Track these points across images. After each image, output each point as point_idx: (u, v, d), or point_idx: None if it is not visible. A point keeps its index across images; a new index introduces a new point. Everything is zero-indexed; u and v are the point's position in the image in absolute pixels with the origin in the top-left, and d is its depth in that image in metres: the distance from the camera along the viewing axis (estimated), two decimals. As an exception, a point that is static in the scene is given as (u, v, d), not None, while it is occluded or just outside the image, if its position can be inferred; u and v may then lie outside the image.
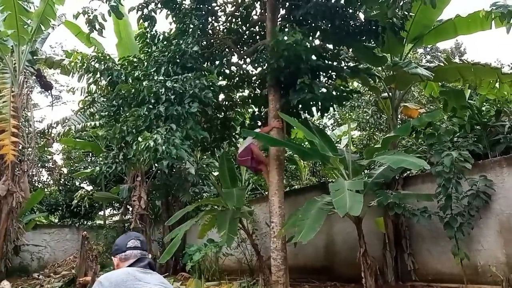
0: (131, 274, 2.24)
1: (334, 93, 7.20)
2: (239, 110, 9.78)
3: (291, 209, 8.00)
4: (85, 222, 17.21)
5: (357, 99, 12.39)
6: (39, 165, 14.47)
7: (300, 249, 8.42)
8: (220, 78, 8.78)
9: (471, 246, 6.33)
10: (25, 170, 9.99)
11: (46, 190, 16.59)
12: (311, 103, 7.28)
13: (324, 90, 6.94)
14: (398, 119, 8.60)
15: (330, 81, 7.59)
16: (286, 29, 7.12)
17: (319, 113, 7.93)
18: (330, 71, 7.66)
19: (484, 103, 7.85)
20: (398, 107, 8.32)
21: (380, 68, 8.93)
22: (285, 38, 6.42)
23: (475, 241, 6.35)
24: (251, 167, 7.99)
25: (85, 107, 11.04)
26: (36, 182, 16.62)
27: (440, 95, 8.10)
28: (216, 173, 13.41)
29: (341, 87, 7.55)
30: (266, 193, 9.39)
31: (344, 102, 7.85)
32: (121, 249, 2.45)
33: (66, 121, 13.54)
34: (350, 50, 8.08)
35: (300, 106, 7.35)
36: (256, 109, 9.35)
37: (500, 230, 6.11)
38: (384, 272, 7.37)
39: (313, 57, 7.09)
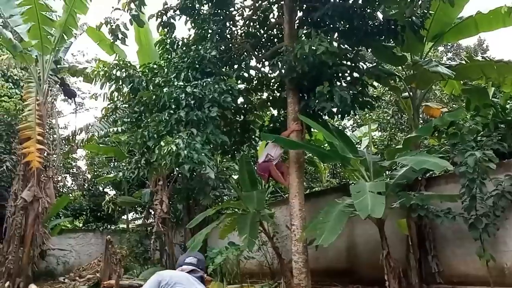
0: (185, 276, 2.68)
1: (353, 99, 7.14)
2: (258, 113, 9.82)
3: (312, 211, 7.98)
4: (109, 226, 17.54)
5: (377, 100, 12.28)
6: (63, 171, 14.81)
7: (322, 252, 8.37)
8: (239, 82, 8.83)
9: (497, 247, 6.18)
10: (50, 176, 10.25)
11: (70, 195, 16.97)
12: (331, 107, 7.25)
13: (343, 96, 6.88)
14: (420, 119, 8.48)
15: (350, 85, 7.50)
16: (305, 31, 7.12)
17: (339, 116, 7.91)
18: (350, 74, 7.60)
19: (508, 101, 7.66)
20: (420, 107, 8.21)
21: (400, 67, 8.84)
22: (313, 47, 6.36)
23: (501, 242, 6.20)
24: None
25: (108, 114, 11.26)
26: (61, 188, 17.01)
27: (462, 93, 7.96)
28: (236, 176, 13.47)
29: (362, 93, 7.48)
30: (286, 196, 9.39)
31: (364, 108, 7.80)
32: (179, 264, 2.94)
33: (90, 127, 13.83)
34: (369, 50, 8.02)
35: (318, 111, 7.32)
36: (275, 112, 9.37)
37: (527, 231, 5.96)
38: (407, 275, 7.25)
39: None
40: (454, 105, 10.77)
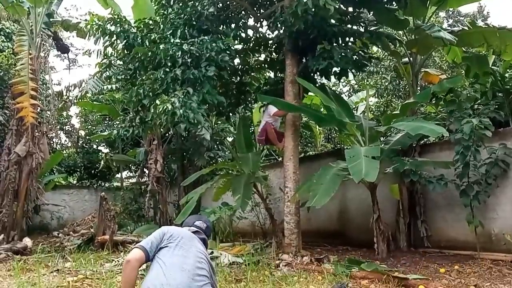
0: (190, 235, 2.78)
1: (353, 58, 7.04)
2: (255, 75, 9.68)
3: (305, 175, 8.04)
4: (103, 184, 17.62)
5: (376, 65, 12.13)
6: (57, 127, 14.70)
7: (314, 214, 8.52)
8: (236, 42, 8.64)
9: (486, 214, 6.31)
10: (44, 132, 10.15)
11: (64, 152, 16.92)
12: (330, 69, 7.15)
13: (343, 55, 6.78)
14: (418, 86, 8.41)
15: (349, 45, 7.38)
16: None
17: (335, 78, 7.81)
18: (350, 35, 7.47)
19: (508, 70, 7.60)
20: (419, 73, 8.13)
21: (401, 32, 8.68)
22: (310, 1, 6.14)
23: (491, 210, 6.32)
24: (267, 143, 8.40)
25: (102, 71, 11.04)
26: (55, 144, 16.95)
27: (462, 60, 7.86)
28: (231, 138, 13.47)
29: (361, 52, 7.38)
30: (281, 159, 9.42)
31: (363, 68, 7.69)
32: (188, 224, 3.03)
33: (83, 84, 13.61)
34: (371, 13, 7.83)
35: (317, 70, 7.22)
36: (272, 74, 9.25)
37: (517, 199, 6.05)
38: (396, 238, 7.43)
39: (334, 21, 6.92)
40: (453, 72, 10.68)
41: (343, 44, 7.37)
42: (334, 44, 7.05)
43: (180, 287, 2.30)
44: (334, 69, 7.17)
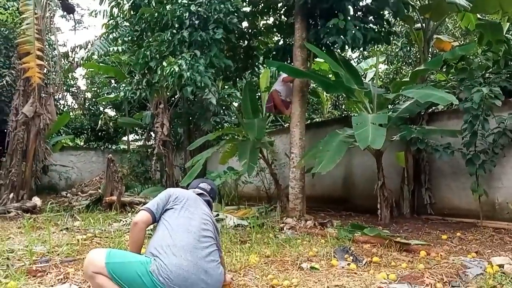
0: (195, 197, 2.80)
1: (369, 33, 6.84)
2: (263, 39, 9.51)
3: (311, 141, 8.05)
4: (110, 146, 17.79)
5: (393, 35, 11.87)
6: (64, 89, 14.67)
7: (318, 179, 8.59)
8: (245, 4, 8.43)
9: (491, 184, 6.33)
10: (51, 93, 10.13)
11: (71, 114, 16.98)
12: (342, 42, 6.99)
13: (357, 35, 6.57)
14: (429, 53, 8.24)
15: (364, 19, 7.12)
16: None
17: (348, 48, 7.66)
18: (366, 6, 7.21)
19: (522, 38, 7.42)
20: (431, 39, 7.94)
21: (415, -4, 8.43)
22: None
23: (496, 179, 6.33)
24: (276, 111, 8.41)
25: (108, 32, 10.90)
26: (62, 106, 16.99)
27: (476, 28, 7.65)
28: (236, 104, 13.41)
29: (378, 25, 7.14)
30: (287, 125, 9.40)
31: (378, 44, 7.52)
32: (193, 186, 3.07)
33: (89, 45, 13.46)
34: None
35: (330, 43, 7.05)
36: (281, 38, 9.08)
37: (523, 169, 6.05)
38: (400, 205, 7.50)
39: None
40: (466, 40, 10.43)
41: (359, 15, 7.10)
42: (349, 17, 6.80)
43: (186, 248, 2.33)
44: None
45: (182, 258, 2.27)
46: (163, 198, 2.65)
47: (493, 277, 3.48)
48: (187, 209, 2.58)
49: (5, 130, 9.72)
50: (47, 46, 10.90)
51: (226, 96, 12.66)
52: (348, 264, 3.97)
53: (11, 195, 8.63)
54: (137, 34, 8.23)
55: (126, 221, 6.64)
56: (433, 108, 7.62)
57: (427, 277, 3.40)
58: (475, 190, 6.03)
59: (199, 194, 2.89)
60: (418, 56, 8.80)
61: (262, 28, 9.07)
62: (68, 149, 15.72)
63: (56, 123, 12.15)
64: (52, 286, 3.21)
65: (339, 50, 7.71)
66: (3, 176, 9.05)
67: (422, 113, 7.35)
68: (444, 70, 7.32)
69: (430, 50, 8.28)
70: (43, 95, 9.60)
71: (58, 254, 4.36)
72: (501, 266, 3.75)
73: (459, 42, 9.21)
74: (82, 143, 18.19)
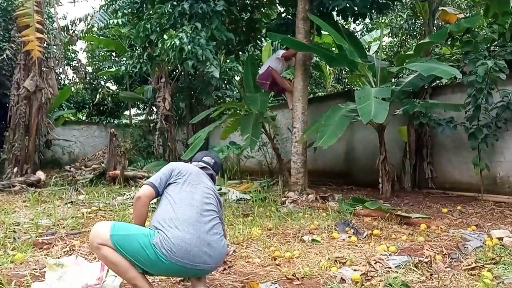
0: (198, 171, 2.77)
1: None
2: (265, 11, 9.35)
3: (314, 116, 8.02)
4: (112, 120, 17.78)
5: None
6: (64, 63, 14.55)
7: (320, 154, 8.61)
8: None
9: (493, 158, 6.34)
10: (52, 67, 10.05)
11: (72, 88, 16.90)
12: (348, 10, 6.87)
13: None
14: (434, 25, 8.10)
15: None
16: None
17: (351, 19, 7.55)
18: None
19: (530, 10, 7.25)
20: (436, 11, 7.79)
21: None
22: None
23: (498, 153, 6.34)
24: (271, 90, 8.17)
25: (107, 4, 10.71)
26: (63, 80, 16.89)
27: (482, -1, 7.50)
28: (238, 78, 13.31)
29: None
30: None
31: (384, 10, 7.38)
32: (197, 159, 3.02)
33: (89, 18, 13.27)
34: None
35: (334, 10, 6.93)
36: (283, 10, 8.92)
37: (526, 143, 6.04)
38: (401, 179, 7.55)
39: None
40: (472, 12, 10.22)
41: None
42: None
43: (189, 221, 2.36)
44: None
45: (185, 231, 2.30)
46: (166, 172, 2.64)
47: (492, 249, 3.53)
48: (189, 183, 2.59)
49: (7, 105, 9.70)
50: (46, 19, 10.75)
51: (228, 70, 12.55)
52: (349, 237, 4.03)
53: (15, 169, 8.70)
54: (137, 6, 8.11)
55: (129, 194, 6.71)
56: (437, 81, 7.56)
57: (426, 249, 3.45)
58: (477, 164, 6.04)
59: (202, 168, 2.88)
60: (423, 28, 8.65)
61: (265, 0, 8.91)
62: (71, 123, 15.74)
63: (58, 98, 12.12)
64: (58, 258, 3.27)
65: (343, 22, 7.58)
66: (7, 150, 9.10)
67: (426, 87, 7.29)
68: (449, 43, 7.20)
69: (435, 22, 8.14)
70: (44, 69, 9.52)
71: (64, 227, 4.44)
72: (500, 239, 3.80)
73: (465, 14, 9.03)
74: (84, 118, 18.18)
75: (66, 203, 6.12)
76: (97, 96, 15.00)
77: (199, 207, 2.46)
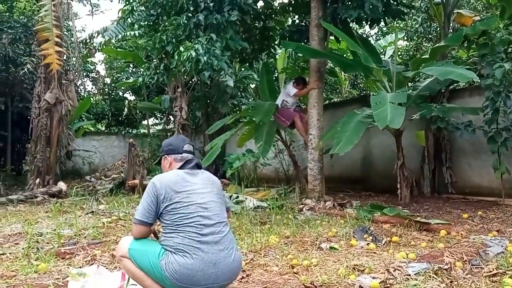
0: (180, 176, 2.46)
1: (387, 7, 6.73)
2: (278, 19, 9.41)
3: (329, 122, 8.01)
4: (130, 131, 18.06)
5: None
6: (83, 75, 14.87)
7: (337, 160, 8.58)
8: (259, -16, 8.34)
9: (513, 161, 6.22)
10: (72, 79, 10.31)
11: (91, 99, 17.25)
12: (361, 18, 6.88)
13: (374, 4, 6.45)
14: (450, 28, 8.03)
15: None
16: None
17: (367, 25, 7.55)
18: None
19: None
20: (451, 14, 7.73)
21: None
22: None
23: (519, 157, 6.22)
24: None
25: (124, 17, 10.95)
26: (82, 92, 17.26)
27: (498, 1, 7.39)
28: (254, 85, 13.38)
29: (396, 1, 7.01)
30: (305, 106, 9.35)
31: (398, 17, 7.37)
32: (177, 150, 2.62)
33: (106, 31, 13.56)
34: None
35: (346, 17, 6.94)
36: (297, 18, 8.96)
37: (547, 145, 5.91)
38: (420, 184, 7.46)
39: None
40: (488, 14, 10.10)
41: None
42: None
43: (192, 243, 2.27)
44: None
45: (189, 255, 2.24)
46: (150, 201, 2.36)
47: (514, 255, 3.47)
48: (182, 202, 2.34)
49: (29, 117, 9.96)
50: (65, 32, 11.03)
51: (243, 78, 12.64)
52: (367, 244, 4.00)
53: (37, 181, 8.91)
54: (153, 19, 8.25)
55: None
56: (454, 85, 7.47)
57: (446, 256, 3.41)
58: (497, 168, 5.94)
59: (186, 162, 2.57)
60: (439, 31, 8.58)
61: (278, 8, 8.97)
62: (90, 134, 16.05)
63: (78, 109, 12.39)
64: (80, 267, 3.35)
65: (357, 27, 7.59)
66: (29, 162, 9.33)
67: (443, 91, 7.23)
68: (465, 45, 7.13)
69: (450, 25, 8.08)
70: (64, 81, 9.77)
71: (85, 237, 4.53)
72: (522, 244, 3.73)
73: (481, 16, 8.92)
74: (103, 128, 18.51)
75: (87, 213, 6.24)
76: (125, 109, 15.26)
77: (199, 222, 2.32)
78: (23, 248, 3.93)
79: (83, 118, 15.76)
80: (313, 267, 3.33)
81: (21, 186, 9.45)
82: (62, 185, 8.84)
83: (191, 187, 2.42)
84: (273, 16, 8.97)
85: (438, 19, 7.80)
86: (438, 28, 8.84)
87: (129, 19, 9.60)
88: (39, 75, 9.59)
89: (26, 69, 10.65)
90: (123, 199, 7.44)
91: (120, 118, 17.39)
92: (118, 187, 9.09)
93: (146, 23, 8.44)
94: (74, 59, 10.78)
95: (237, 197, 6.90)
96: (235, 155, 10.14)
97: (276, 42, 9.24)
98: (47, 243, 4.25)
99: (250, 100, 12.95)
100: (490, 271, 3.03)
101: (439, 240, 4.08)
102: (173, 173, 2.49)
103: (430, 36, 11.37)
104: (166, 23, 7.48)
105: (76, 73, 10.60)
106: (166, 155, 2.65)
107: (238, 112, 11.92)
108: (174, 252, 2.26)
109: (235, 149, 11.09)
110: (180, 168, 2.56)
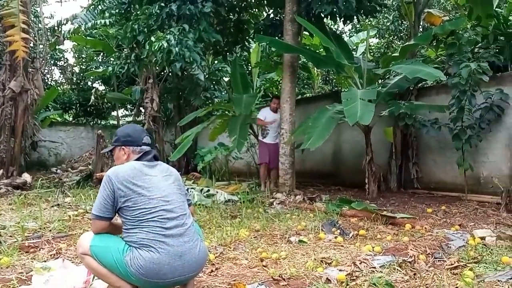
0: (138, 169, 2.36)
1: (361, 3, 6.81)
2: (253, 12, 9.38)
3: (302, 117, 8.08)
4: (99, 122, 17.64)
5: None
6: (51, 63, 14.40)
7: (308, 155, 8.66)
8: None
9: (476, 158, 6.46)
10: (38, 67, 9.95)
11: (59, 89, 16.74)
12: (335, 14, 6.95)
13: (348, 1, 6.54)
14: (420, 27, 8.22)
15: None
16: None
17: (340, 21, 7.64)
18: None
19: (512, 13, 7.42)
20: (422, 13, 7.92)
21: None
22: None
23: (481, 154, 6.46)
24: None
25: (95, 4, 10.65)
26: (49, 81, 16.72)
27: (466, 2, 7.62)
28: (227, 79, 13.32)
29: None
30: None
31: (371, 14, 7.49)
32: (136, 142, 2.50)
33: (76, 18, 13.16)
34: None
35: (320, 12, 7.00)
36: (271, 12, 8.96)
37: (509, 143, 6.16)
38: (387, 179, 7.64)
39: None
40: (456, 14, 10.39)
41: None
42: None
43: (157, 238, 2.23)
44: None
45: (154, 250, 2.21)
46: (107, 197, 2.28)
47: (475, 248, 3.61)
48: (142, 196, 2.28)
49: (-8, 106, 9.57)
50: (33, 18, 10.65)
51: (216, 71, 12.55)
52: (335, 237, 4.07)
53: (1, 172, 8.58)
54: (125, 7, 8.09)
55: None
56: (422, 83, 7.67)
57: (410, 249, 3.51)
58: (461, 164, 6.15)
59: (145, 154, 2.48)
60: (409, 30, 8.78)
61: (253, 1, 8.94)
62: (57, 124, 15.57)
63: (44, 98, 12.00)
64: (45, 261, 3.26)
65: (331, 23, 7.68)
66: (-8, 152, 8.98)
67: (411, 89, 7.40)
68: (434, 45, 7.32)
69: (421, 24, 8.27)
70: (30, 69, 9.42)
71: (50, 230, 4.40)
72: (483, 238, 3.88)
73: (450, 16, 9.18)
74: (70, 119, 18.00)
75: (52, 206, 6.06)
76: (91, 98, 14.84)
77: (163, 215, 2.27)
78: (-16, 241, 3.79)
79: (50, 108, 15.28)
80: (282, 260, 3.36)
81: (-17, 177, 9.07)
82: (26, 176, 8.55)
83: (150, 180, 2.34)
84: (248, 9, 8.95)
85: (409, 18, 7.97)
86: (409, 27, 9.04)
87: (99, 6, 9.35)
88: (4, 63, 9.20)
89: (-11, 56, 10.22)
90: (90, 192, 7.27)
91: (88, 109, 16.93)
92: (86, 180, 8.87)
93: (117, 11, 8.25)
94: (41, 46, 10.40)
95: (208, 190, 6.88)
96: (206, 148, 10.09)
97: (250, 36, 9.22)
98: (10, 236, 4.11)
99: (223, 93, 12.88)
100: (452, 264, 3.14)
101: (404, 234, 4.20)
102: (130, 166, 2.37)
103: (401, 34, 11.61)
104: (138, 12, 7.35)
105: (43, 61, 10.22)
106: (123, 146, 2.52)
107: (210, 105, 11.83)
108: (139, 248, 2.21)
109: (207, 143, 11.03)
110: (138, 159, 2.46)
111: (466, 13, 7.61)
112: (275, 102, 7.78)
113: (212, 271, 3.10)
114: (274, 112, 7.81)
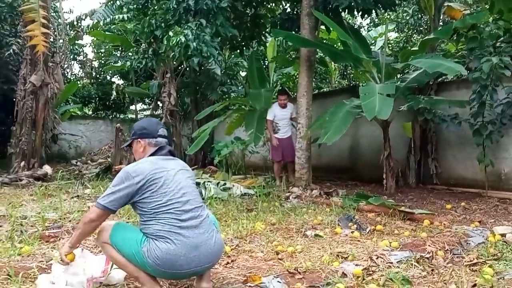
0: (155, 164, 2.40)
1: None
2: (270, 6, 9.34)
3: (318, 111, 8.03)
4: (118, 115, 17.87)
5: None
6: (70, 57, 14.60)
7: (325, 150, 8.61)
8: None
9: (497, 154, 6.32)
10: (58, 62, 10.13)
11: (78, 83, 17.00)
12: (352, 7, 6.87)
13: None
14: (440, 21, 8.06)
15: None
16: None
17: (359, 15, 7.55)
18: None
19: (536, 6, 7.19)
20: (442, 7, 7.76)
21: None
22: None
23: (503, 150, 6.32)
24: None
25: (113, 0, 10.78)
26: (69, 75, 16.98)
27: (488, -5, 7.45)
28: (244, 73, 13.32)
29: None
30: (294, 94, 9.35)
31: (391, 7, 7.38)
32: (152, 134, 2.53)
33: (94, 13, 13.31)
34: None
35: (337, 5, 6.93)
36: (288, 6, 8.91)
37: (531, 140, 6.02)
38: (405, 175, 7.54)
39: None
40: (478, 8, 10.16)
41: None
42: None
43: (173, 229, 2.26)
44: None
45: (171, 241, 2.24)
46: (123, 196, 2.30)
47: (495, 245, 3.54)
48: (159, 190, 2.31)
49: (14, 99, 9.79)
50: (52, 14, 10.81)
51: (232, 65, 12.56)
52: (352, 232, 4.05)
53: (22, 164, 8.79)
54: (142, 2, 8.14)
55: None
56: (442, 78, 7.53)
57: (428, 245, 3.46)
58: (481, 160, 6.03)
59: (160, 148, 2.52)
60: (429, 24, 8.62)
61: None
62: (77, 118, 15.85)
63: (64, 92, 12.20)
64: (64, 251, 3.32)
65: (349, 17, 7.59)
66: (14, 145, 9.19)
67: (431, 83, 7.27)
68: (454, 39, 7.17)
69: (441, 18, 8.11)
70: (50, 64, 9.59)
71: (70, 221, 4.50)
72: (503, 235, 3.80)
73: (471, 10, 8.97)
74: (90, 112, 18.28)
75: (72, 197, 6.19)
76: (113, 93, 15.05)
77: (178, 208, 2.31)
78: (6, 231, 3.89)
79: (70, 102, 15.53)
80: (298, 253, 3.36)
81: (5, 169, 9.30)
82: (47, 168, 8.73)
83: (167, 172, 2.38)
84: (265, 3, 8.91)
85: (429, 12, 7.81)
86: (428, 21, 8.88)
87: (117, 1, 9.45)
88: (24, 57, 9.38)
89: (11, 50, 10.44)
90: (109, 184, 7.33)
91: (107, 103, 17.18)
92: (105, 172, 9.02)
93: (135, 6, 8.32)
94: (61, 41, 10.57)
95: (225, 184, 6.91)
96: (223, 142, 10.12)
97: (267, 30, 9.19)
98: (31, 226, 4.22)
99: (240, 87, 12.88)
100: (471, 261, 3.10)
101: (422, 230, 4.15)
102: (147, 162, 2.42)
103: (420, 28, 11.42)
104: (156, 7, 7.39)
105: (63, 56, 10.40)
106: (139, 139, 2.56)
107: (227, 99, 11.85)
108: (156, 239, 2.25)
109: (223, 136, 11.07)
110: (153, 154, 2.50)
111: (488, 6, 7.44)
112: (282, 98, 7.71)
113: (228, 263, 3.12)
114: (283, 108, 7.75)
